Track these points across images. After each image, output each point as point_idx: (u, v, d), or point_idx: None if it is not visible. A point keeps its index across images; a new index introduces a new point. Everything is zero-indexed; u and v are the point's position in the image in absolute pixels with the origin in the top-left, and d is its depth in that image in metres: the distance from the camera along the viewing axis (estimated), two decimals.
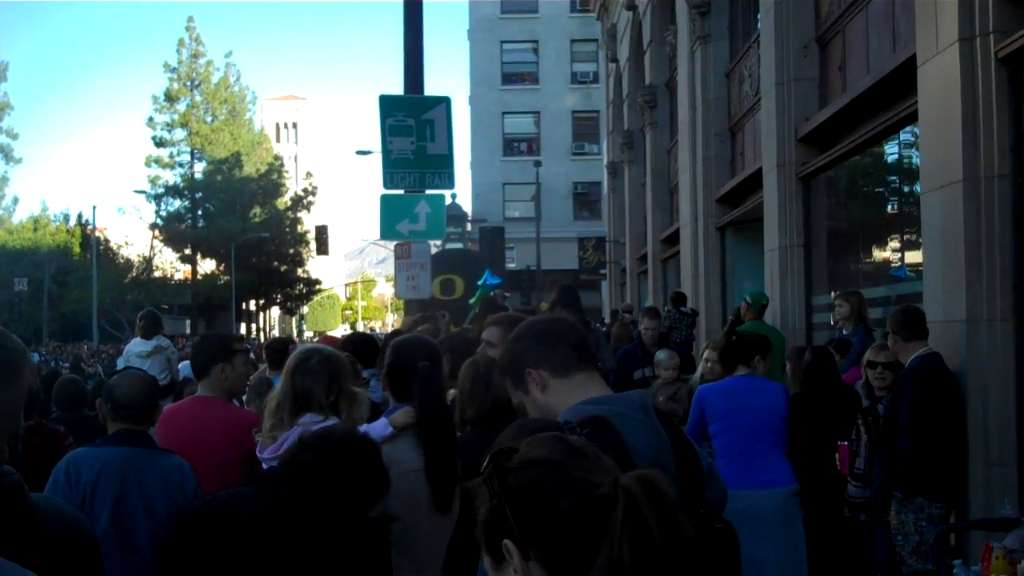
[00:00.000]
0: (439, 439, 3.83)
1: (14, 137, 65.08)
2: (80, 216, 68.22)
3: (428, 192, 9.82)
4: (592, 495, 1.43)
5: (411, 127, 9.62)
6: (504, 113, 47.44)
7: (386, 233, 10.05)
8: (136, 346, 11.75)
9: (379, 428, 3.86)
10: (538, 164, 37.95)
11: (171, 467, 4.38)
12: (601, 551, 1.39)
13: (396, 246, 10.20)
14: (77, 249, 64.65)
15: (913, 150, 9.14)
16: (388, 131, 9.62)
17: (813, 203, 11.17)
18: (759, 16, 12.47)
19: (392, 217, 9.81)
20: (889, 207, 11.12)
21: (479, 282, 19.75)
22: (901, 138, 9.51)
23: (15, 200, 72.65)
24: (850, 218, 11.65)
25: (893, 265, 10.25)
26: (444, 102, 9.79)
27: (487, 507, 1.51)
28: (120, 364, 11.81)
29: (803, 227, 11.07)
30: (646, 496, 1.40)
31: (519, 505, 1.46)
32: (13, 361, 1.76)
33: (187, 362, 11.68)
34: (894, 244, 10.42)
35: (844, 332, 8.57)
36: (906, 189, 10.00)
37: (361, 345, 6.59)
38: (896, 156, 10.22)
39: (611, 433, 2.23)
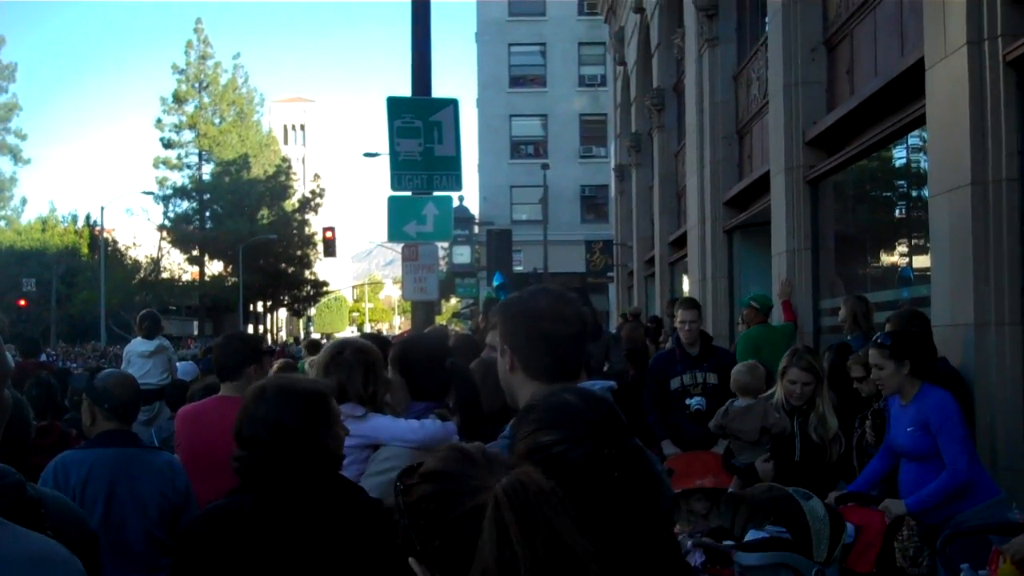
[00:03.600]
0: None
1: (22, 138, 65.18)
2: (88, 217, 68.35)
3: (436, 194, 9.83)
4: (472, 504, 1.39)
5: (419, 129, 9.63)
6: (511, 116, 47.43)
7: (394, 235, 10.05)
8: (138, 345, 11.76)
9: (451, 430, 3.89)
10: (545, 167, 37.97)
11: (161, 464, 4.42)
12: (473, 560, 1.35)
13: (404, 248, 10.20)
14: (85, 250, 64.75)
15: (921, 154, 9.13)
16: (396, 133, 9.62)
17: (821, 206, 11.16)
18: (767, 19, 12.48)
19: (400, 219, 9.81)
20: (897, 211, 11.10)
21: (493, 283, 19.71)
22: (909, 142, 9.50)
23: (23, 201, 72.96)
24: (858, 222, 11.63)
25: (901, 268, 10.24)
26: (452, 104, 9.79)
27: (400, 526, 1.48)
28: (123, 363, 11.84)
29: (811, 230, 11.06)
30: (509, 500, 1.35)
31: (416, 520, 1.43)
32: None
33: (186, 363, 11.75)
34: (902, 248, 10.40)
35: (848, 337, 8.53)
36: (914, 193, 9.99)
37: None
38: (904, 160, 10.21)
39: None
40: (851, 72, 10.36)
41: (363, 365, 3.95)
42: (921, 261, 9.10)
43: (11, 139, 64.33)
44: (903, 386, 5.61)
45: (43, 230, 64.50)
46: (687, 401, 7.97)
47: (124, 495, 4.23)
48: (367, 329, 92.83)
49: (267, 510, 2.92)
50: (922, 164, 9.05)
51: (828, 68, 10.98)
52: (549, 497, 1.38)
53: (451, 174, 9.77)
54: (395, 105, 9.74)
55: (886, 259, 10.94)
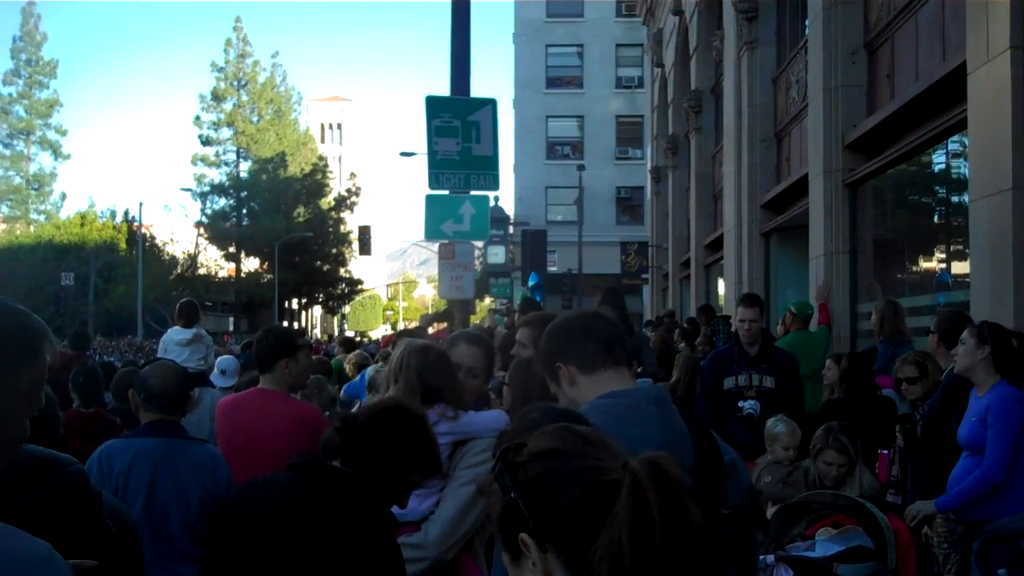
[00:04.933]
0: None
1: (63, 133, 66.09)
2: (127, 213, 68.87)
3: (473, 193, 9.87)
4: (602, 481, 1.42)
5: (457, 128, 9.68)
6: (548, 117, 47.41)
7: (431, 233, 10.11)
8: (176, 334, 11.54)
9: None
10: (581, 168, 37.88)
11: (203, 456, 4.45)
12: (602, 533, 1.38)
13: (440, 246, 10.27)
14: (123, 245, 65.26)
15: (960, 159, 9.08)
16: (434, 132, 9.68)
17: (859, 210, 11.10)
18: (807, 22, 12.43)
19: (437, 217, 9.87)
20: (936, 216, 11.04)
21: (529, 283, 19.76)
22: (949, 147, 9.45)
23: (63, 196, 73.71)
24: (896, 226, 11.57)
25: (939, 274, 10.18)
26: (490, 104, 9.84)
27: (500, 503, 1.51)
28: (159, 352, 11.80)
29: (849, 234, 11.01)
30: (651, 478, 1.38)
31: (532, 497, 1.46)
32: (32, 339, 1.81)
33: (225, 358, 11.78)
34: (940, 253, 10.34)
35: (878, 340, 8.47)
36: (954, 198, 9.93)
37: None
38: (943, 164, 10.15)
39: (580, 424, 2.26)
40: (891, 76, 10.31)
41: (450, 369, 4.00)
42: (960, 266, 9.05)
43: (51, 134, 65.26)
44: (976, 369, 5.46)
45: (82, 225, 65.03)
46: (740, 404, 7.58)
47: (166, 486, 4.27)
48: (400, 327, 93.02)
49: (295, 490, 2.95)
50: (962, 169, 8.99)
51: (868, 71, 10.92)
52: (684, 481, 1.42)
53: (488, 174, 9.81)
54: (434, 104, 9.80)
55: (924, 264, 10.87)
